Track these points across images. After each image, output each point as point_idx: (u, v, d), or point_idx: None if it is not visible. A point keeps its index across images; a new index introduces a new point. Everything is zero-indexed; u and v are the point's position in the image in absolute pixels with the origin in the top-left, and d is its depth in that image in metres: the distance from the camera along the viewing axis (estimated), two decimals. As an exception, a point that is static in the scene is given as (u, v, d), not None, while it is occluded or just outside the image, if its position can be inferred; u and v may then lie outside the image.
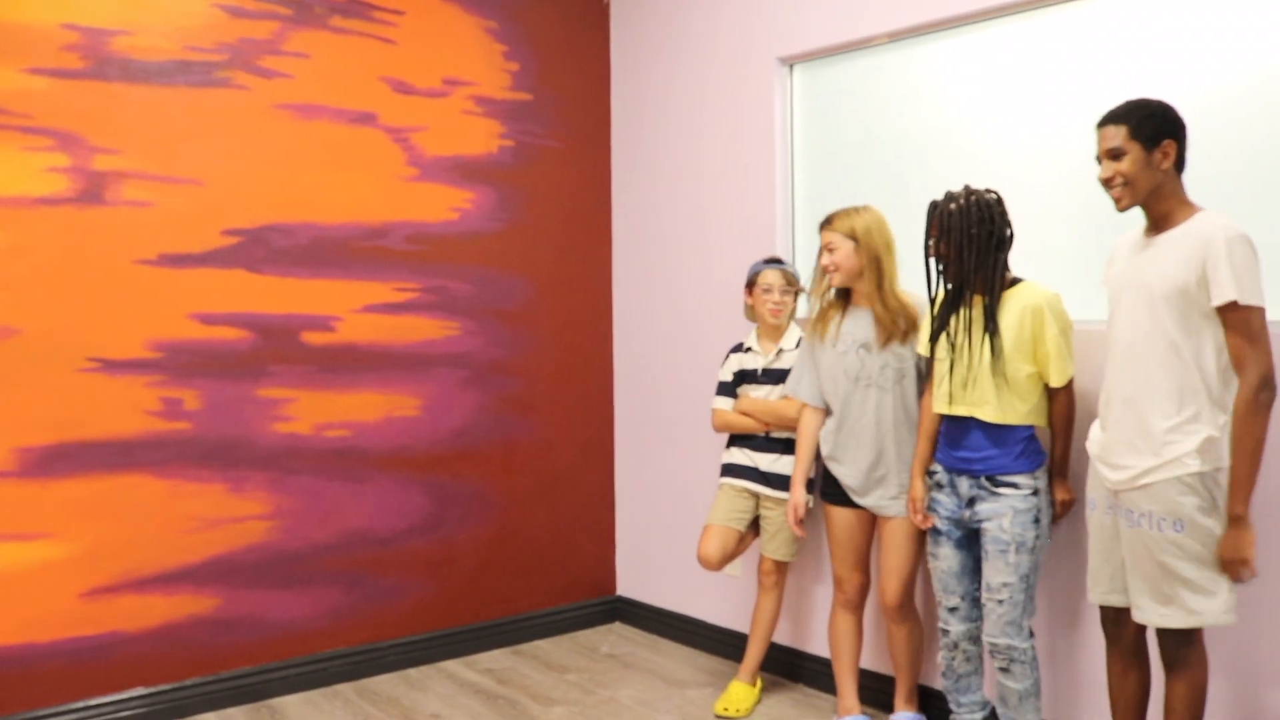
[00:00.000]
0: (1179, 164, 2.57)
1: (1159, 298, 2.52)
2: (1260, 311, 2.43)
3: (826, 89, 3.96)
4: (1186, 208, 2.57)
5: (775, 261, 3.73)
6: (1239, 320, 2.44)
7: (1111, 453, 2.63)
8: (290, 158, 3.90)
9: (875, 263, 3.33)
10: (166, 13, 3.65)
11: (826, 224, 3.37)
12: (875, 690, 3.71)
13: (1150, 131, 2.54)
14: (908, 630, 3.43)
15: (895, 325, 3.32)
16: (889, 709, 3.62)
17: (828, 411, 3.48)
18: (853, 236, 3.32)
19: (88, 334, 3.51)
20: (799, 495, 3.53)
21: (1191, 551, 2.49)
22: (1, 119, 3.36)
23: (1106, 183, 2.60)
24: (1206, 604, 2.49)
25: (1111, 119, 2.59)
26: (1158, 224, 2.60)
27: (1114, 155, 2.57)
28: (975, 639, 3.13)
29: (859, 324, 3.38)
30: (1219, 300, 2.43)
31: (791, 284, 3.72)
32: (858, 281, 3.36)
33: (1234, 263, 2.41)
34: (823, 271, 3.38)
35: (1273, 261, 2.81)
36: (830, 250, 3.34)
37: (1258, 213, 2.85)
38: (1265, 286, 2.45)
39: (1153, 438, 2.53)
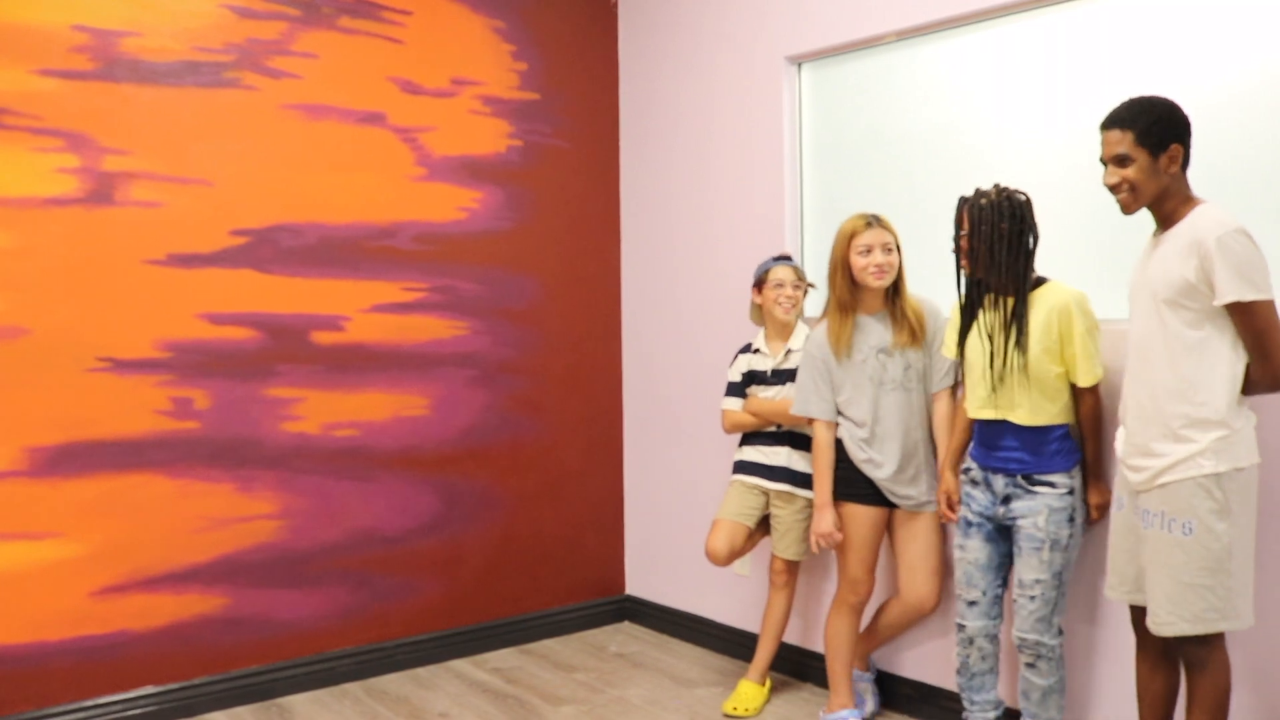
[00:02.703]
0: (1184, 163, 2.54)
1: (1163, 299, 2.50)
2: (1267, 304, 2.39)
3: (835, 88, 3.95)
4: (1188, 204, 2.53)
5: (784, 259, 3.73)
6: (1245, 317, 2.41)
7: (1130, 454, 2.62)
8: (299, 158, 3.91)
9: (902, 268, 3.36)
10: (175, 14, 3.67)
11: (878, 223, 3.30)
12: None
13: (1157, 137, 2.49)
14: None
15: (913, 327, 3.34)
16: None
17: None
18: (897, 242, 3.33)
19: (97, 334, 3.52)
20: (830, 519, 3.43)
21: (1197, 556, 2.45)
22: (11, 120, 3.38)
23: (1113, 188, 2.56)
24: (1217, 609, 2.46)
25: (1116, 123, 2.54)
26: (1163, 224, 2.58)
27: (1119, 161, 2.53)
28: (992, 637, 3.11)
29: (870, 330, 3.37)
30: (1222, 301, 2.40)
31: (802, 280, 3.71)
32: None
33: (1229, 261, 2.37)
34: (877, 271, 3.28)
35: (1276, 262, 2.80)
36: (888, 250, 3.29)
37: (1263, 213, 2.83)
38: (1268, 276, 2.41)
39: (1166, 438, 2.50)
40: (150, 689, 3.63)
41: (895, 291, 3.37)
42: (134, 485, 3.59)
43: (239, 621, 3.81)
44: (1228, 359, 2.45)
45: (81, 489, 3.49)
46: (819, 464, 3.47)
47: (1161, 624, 2.51)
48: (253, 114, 3.82)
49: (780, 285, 3.68)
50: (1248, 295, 2.38)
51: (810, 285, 3.77)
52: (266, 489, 3.86)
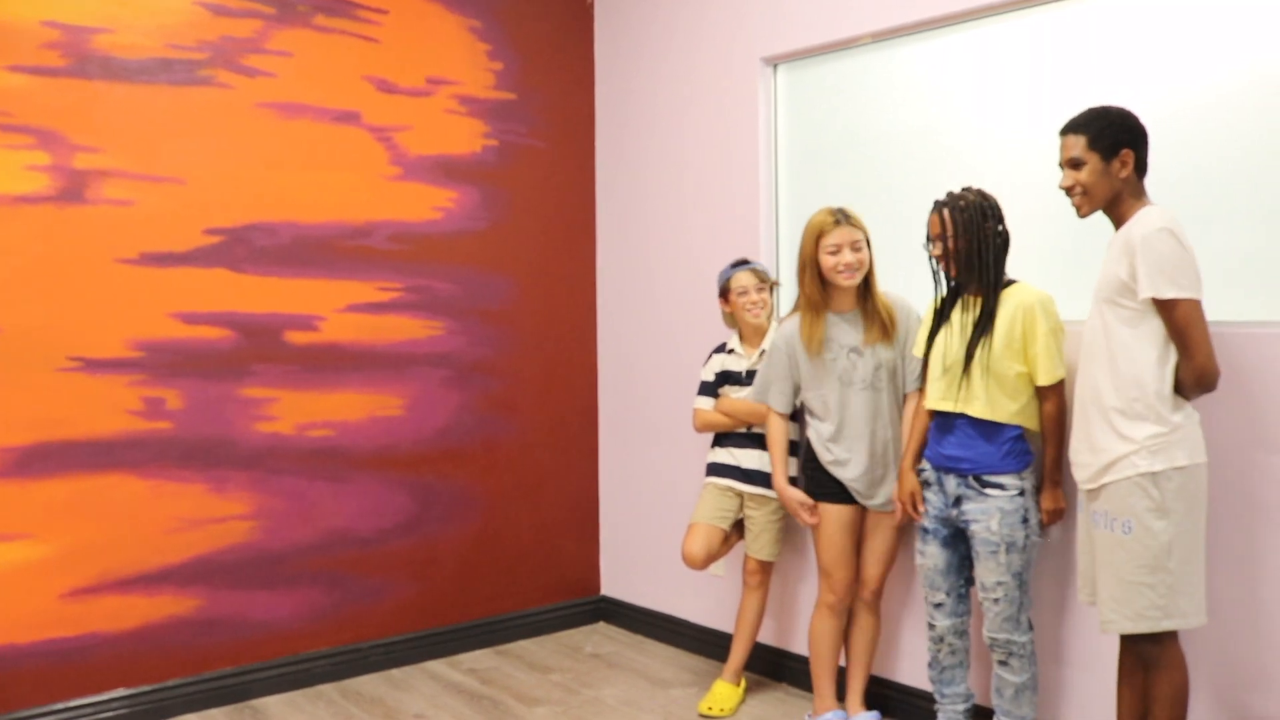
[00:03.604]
0: (1140, 170, 2.63)
1: (1103, 299, 2.60)
2: (1188, 304, 2.48)
3: (810, 89, 3.97)
4: (1135, 208, 2.62)
5: (742, 263, 3.73)
6: (1166, 314, 2.50)
7: (1074, 451, 2.71)
8: (273, 156, 3.89)
9: (872, 263, 3.35)
10: (148, 10, 3.64)
11: (847, 220, 3.29)
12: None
13: (1109, 141, 2.59)
14: (876, 621, 3.50)
15: (885, 326, 3.33)
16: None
17: (791, 416, 3.54)
18: (867, 237, 3.33)
19: (68, 333, 3.49)
20: (795, 492, 3.48)
21: (1135, 554, 2.52)
22: (-19, 116, 3.35)
23: (1067, 191, 2.67)
24: (1160, 608, 2.51)
25: (1071, 128, 2.65)
26: (1116, 226, 2.67)
27: (1073, 164, 2.64)
28: (961, 633, 3.15)
29: (845, 328, 3.37)
30: (1141, 296, 2.50)
31: (765, 281, 3.71)
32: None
33: (1149, 259, 2.47)
34: (846, 270, 3.28)
35: (1258, 269, 2.83)
36: (856, 248, 3.28)
37: (1249, 213, 2.87)
38: (1195, 277, 2.49)
39: (1104, 434, 2.58)
40: (122, 691, 3.60)
41: (866, 288, 3.36)
42: (106, 486, 3.56)
43: (212, 623, 3.78)
44: (1158, 356, 2.53)
45: (52, 489, 3.46)
46: (775, 453, 3.52)
47: (1107, 622, 2.59)
48: (227, 112, 3.79)
49: (744, 292, 3.70)
50: (1166, 293, 2.47)
51: (774, 283, 3.77)
52: (240, 489, 3.83)
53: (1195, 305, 2.49)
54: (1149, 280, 2.47)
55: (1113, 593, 2.56)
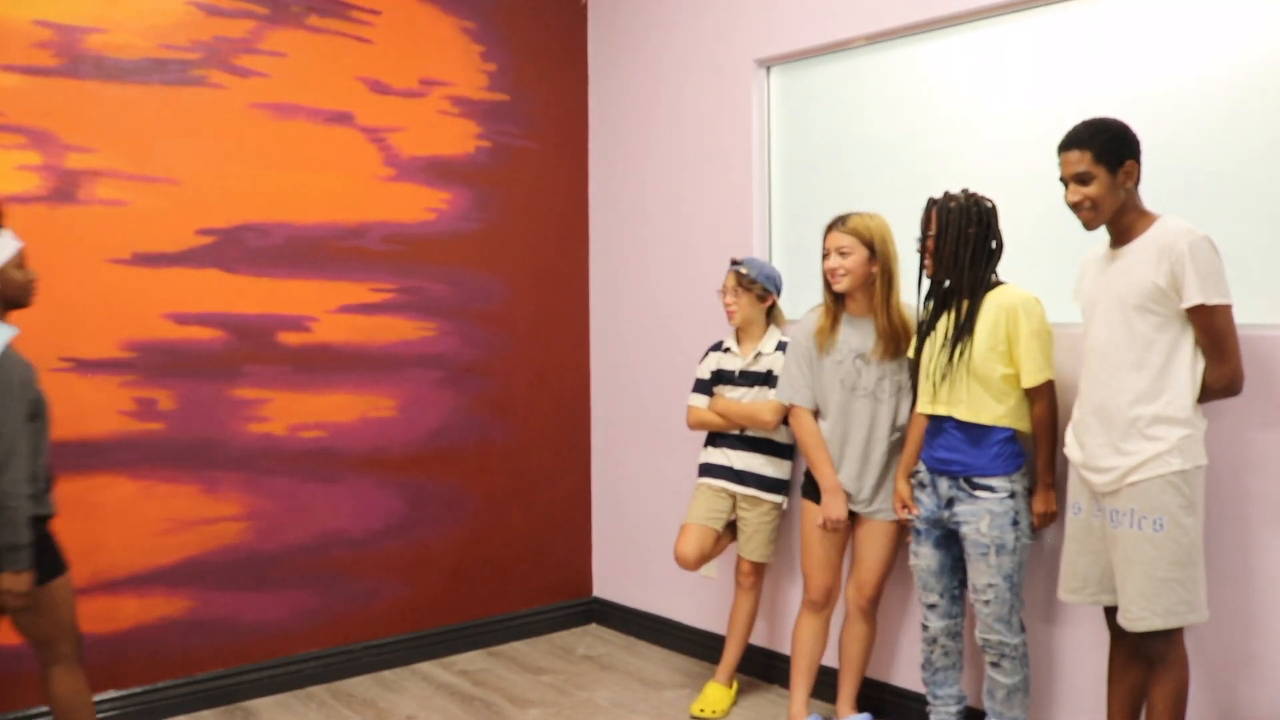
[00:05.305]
0: (1137, 179, 2.65)
1: (1131, 305, 2.60)
2: (1226, 309, 2.53)
3: (804, 91, 3.97)
4: (1146, 218, 2.65)
5: (733, 264, 3.72)
6: (1206, 320, 2.53)
7: (1094, 457, 2.68)
8: (266, 157, 3.88)
9: (887, 274, 3.28)
10: (141, 10, 3.63)
11: (840, 225, 3.28)
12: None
13: (1115, 154, 2.60)
14: (871, 629, 3.48)
15: (897, 339, 3.29)
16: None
17: (816, 414, 3.49)
18: (869, 244, 3.26)
19: (60, 334, 3.48)
20: (839, 503, 3.37)
21: (1168, 551, 2.54)
22: (-27, 116, 3.33)
23: (1075, 206, 2.66)
24: (1187, 603, 2.55)
25: (1074, 143, 2.64)
26: (1121, 236, 2.68)
27: (1081, 179, 2.63)
28: (954, 635, 3.16)
29: (856, 334, 3.35)
30: (1188, 303, 2.52)
31: (743, 282, 3.67)
32: (861, 290, 3.31)
33: (1198, 266, 2.50)
34: (830, 274, 3.29)
35: (1250, 266, 2.84)
36: (843, 254, 3.26)
37: (1240, 215, 2.88)
38: (1229, 285, 2.55)
39: (1135, 438, 2.59)
40: (113, 693, 3.59)
41: (886, 300, 3.29)
42: (97, 486, 3.55)
43: (203, 624, 3.77)
44: (1190, 361, 2.57)
45: (43, 490, 3.45)
46: (816, 451, 3.40)
47: (1135, 619, 2.58)
48: (220, 112, 3.78)
49: (723, 291, 3.70)
50: (1213, 299, 2.51)
51: (753, 283, 3.66)
52: (232, 490, 3.82)
53: (1230, 310, 2.54)
54: (1200, 287, 2.49)
55: (1142, 589, 2.57)
